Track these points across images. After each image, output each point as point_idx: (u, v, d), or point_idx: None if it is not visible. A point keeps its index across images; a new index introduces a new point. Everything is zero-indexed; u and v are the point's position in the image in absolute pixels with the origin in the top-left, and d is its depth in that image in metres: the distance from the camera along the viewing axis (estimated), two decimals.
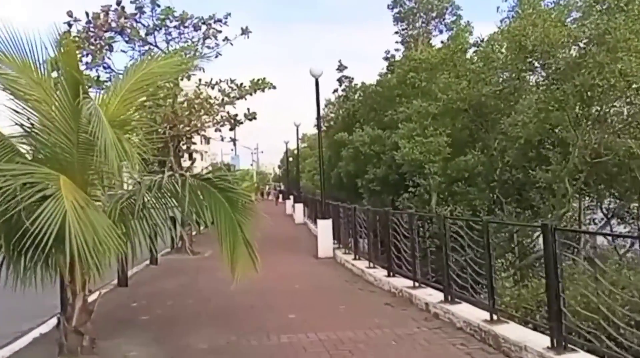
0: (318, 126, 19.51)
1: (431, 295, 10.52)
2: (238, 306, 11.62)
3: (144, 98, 8.99)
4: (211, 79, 20.23)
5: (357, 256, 16.11)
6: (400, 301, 11.27)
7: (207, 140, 22.04)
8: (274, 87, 21.25)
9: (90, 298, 8.29)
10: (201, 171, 35.64)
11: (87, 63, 19.01)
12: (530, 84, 20.66)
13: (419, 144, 18.88)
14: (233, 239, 8.07)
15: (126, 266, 13.93)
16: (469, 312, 9.02)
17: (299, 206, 37.12)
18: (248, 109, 21.05)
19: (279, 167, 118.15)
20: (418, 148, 18.79)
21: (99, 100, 8.20)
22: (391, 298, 11.67)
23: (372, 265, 14.44)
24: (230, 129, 22.31)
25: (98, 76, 19.40)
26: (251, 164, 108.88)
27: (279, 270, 16.19)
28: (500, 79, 20.25)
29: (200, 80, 20.03)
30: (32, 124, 7.92)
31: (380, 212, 14.09)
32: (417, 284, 11.32)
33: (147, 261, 17.74)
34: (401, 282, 12.00)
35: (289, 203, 48.97)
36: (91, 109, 6.64)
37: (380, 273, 13.44)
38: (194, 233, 21.70)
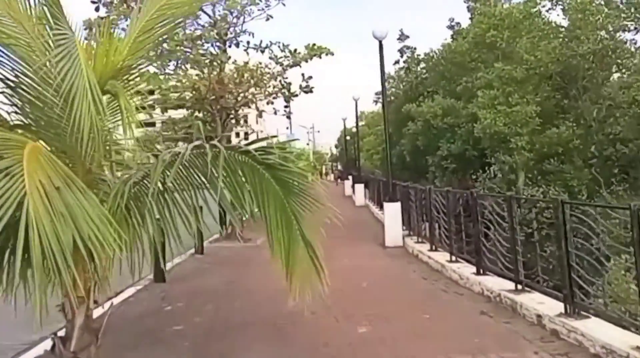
0: (383, 93, 16.98)
1: (543, 304, 8.10)
2: (295, 313, 9.37)
3: (161, 37, 6.61)
4: (260, 42, 18.01)
5: (433, 247, 13.70)
6: (499, 310, 8.85)
7: (260, 113, 19.75)
8: (332, 54, 18.85)
9: (99, 312, 6.12)
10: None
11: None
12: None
13: (503, 115, 16.12)
14: (287, 236, 5.63)
15: (162, 259, 11.88)
16: (609, 334, 6.56)
17: (359, 187, 34.71)
18: (303, 75, 18.68)
19: (336, 147, 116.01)
20: (501, 118, 16.01)
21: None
22: (486, 305, 9.26)
23: (454, 258, 12.04)
24: (285, 103, 20.02)
25: None
26: (307, 144, 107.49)
27: (342, 262, 13.99)
28: (598, 38, 17.42)
29: (248, 43, 17.82)
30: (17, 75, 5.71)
31: (464, 195, 11.67)
32: (519, 287, 8.90)
33: (192, 250, 15.73)
34: (497, 283, 9.60)
35: (348, 183, 46.75)
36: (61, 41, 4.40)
37: (466, 269, 11.02)
38: (245, 217, 19.61)
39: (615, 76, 20.26)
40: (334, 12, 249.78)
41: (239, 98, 18.06)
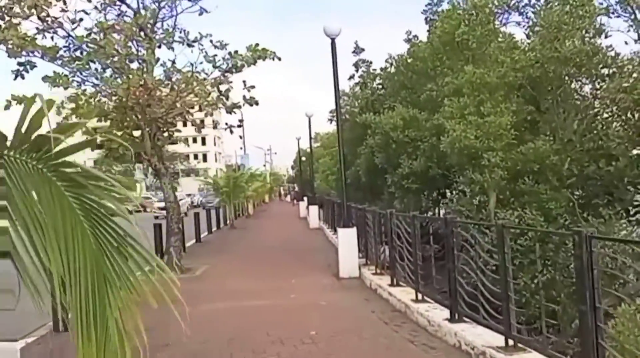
0: (336, 97, 14.83)
1: None
2: None
3: None
4: (187, 33, 15.89)
5: (395, 281, 11.62)
6: None
7: (198, 126, 17.48)
8: (279, 58, 16.71)
9: None
10: (216, 173, 30.54)
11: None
12: None
13: (473, 126, 14.08)
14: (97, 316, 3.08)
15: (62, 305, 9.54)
16: None
17: (314, 209, 32.68)
18: (245, 83, 16.45)
19: (292, 168, 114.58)
20: (472, 130, 13.97)
21: None
22: None
23: (421, 297, 9.98)
24: (227, 114, 17.80)
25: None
26: (264, 165, 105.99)
27: (289, 299, 11.90)
28: (578, 40, 15.54)
29: (173, 37, 15.65)
30: None
31: (436, 221, 9.64)
32: (511, 342, 6.85)
33: None
34: (479, 335, 7.54)
35: (303, 204, 44.82)
36: None
37: (437, 313, 8.95)
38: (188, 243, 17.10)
39: (587, 88, 18.54)
40: (286, 31, 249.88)
41: (170, 108, 15.82)
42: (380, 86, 34.90)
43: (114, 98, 15.29)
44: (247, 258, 19.05)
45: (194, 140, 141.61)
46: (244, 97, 16.91)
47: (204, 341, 8.50)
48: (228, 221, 34.10)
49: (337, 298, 11.89)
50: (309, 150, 65.50)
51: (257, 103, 17.14)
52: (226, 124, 19.16)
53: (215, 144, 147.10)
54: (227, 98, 16.56)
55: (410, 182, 17.01)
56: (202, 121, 17.66)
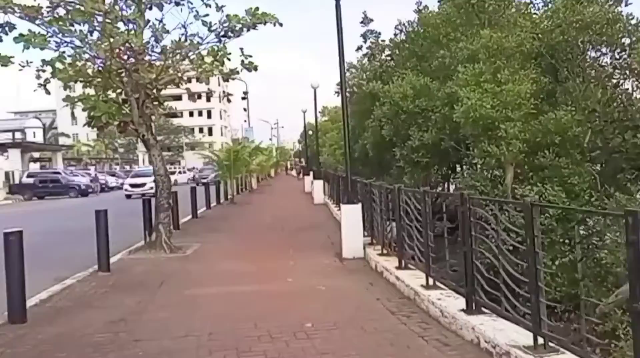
0: (340, 64, 13.54)
1: None
2: None
3: None
4: None
5: (403, 263, 10.45)
6: None
7: (193, 95, 16.19)
8: (280, 24, 15.41)
9: None
10: (221, 147, 29.35)
11: None
12: None
13: (490, 95, 12.70)
14: None
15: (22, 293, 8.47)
16: None
17: (318, 184, 31.52)
18: (242, 50, 15.13)
19: (299, 142, 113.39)
20: (488, 99, 12.58)
21: None
22: None
23: (432, 282, 8.82)
24: (224, 81, 16.53)
25: None
26: (270, 139, 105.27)
27: (286, 283, 10.81)
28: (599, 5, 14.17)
29: None
30: None
31: (450, 198, 8.44)
32: (541, 341, 5.70)
33: (96, 267, 12.29)
34: (501, 330, 6.43)
35: (308, 179, 43.64)
36: None
37: (451, 302, 7.81)
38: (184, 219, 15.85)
39: (607, 57, 17.15)
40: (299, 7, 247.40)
41: (160, 74, 14.57)
42: (389, 58, 33.51)
43: (98, 61, 14.05)
44: (244, 236, 17.91)
45: (199, 113, 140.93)
46: (242, 62, 15.63)
47: (179, 335, 7.35)
48: (229, 196, 32.92)
49: (339, 283, 10.72)
50: (319, 121, 64.40)
51: (256, 69, 15.83)
52: (223, 92, 17.99)
53: (221, 118, 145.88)
54: (223, 64, 15.26)
55: (420, 155, 15.54)
56: (195, 94, 16.31)
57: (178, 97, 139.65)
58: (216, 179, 44.00)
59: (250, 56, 15.02)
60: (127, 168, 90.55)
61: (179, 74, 15.17)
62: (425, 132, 15.28)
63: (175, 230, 19.35)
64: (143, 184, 43.21)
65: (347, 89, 41.48)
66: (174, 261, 13.54)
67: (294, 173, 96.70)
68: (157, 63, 14.79)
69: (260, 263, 12.91)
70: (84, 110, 14.09)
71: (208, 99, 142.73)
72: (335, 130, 63.07)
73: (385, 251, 12.09)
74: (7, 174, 54.59)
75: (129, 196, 43.33)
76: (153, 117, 15.51)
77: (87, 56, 14.13)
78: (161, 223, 14.84)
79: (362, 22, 36.97)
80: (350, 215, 13.34)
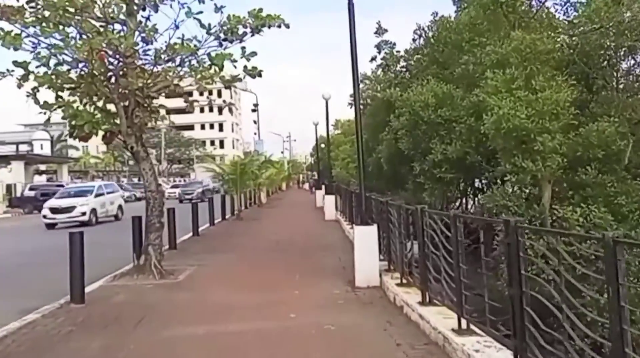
0: (354, 70, 11.92)
1: None
2: None
3: None
4: None
5: (427, 298, 8.74)
6: None
7: (191, 104, 14.56)
8: (287, 26, 13.82)
9: None
10: (233, 159, 27.22)
11: None
12: None
13: (524, 103, 10.95)
14: None
15: None
16: None
17: (330, 199, 29.81)
18: (243, 50, 13.44)
19: (311, 155, 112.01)
20: (522, 109, 10.81)
21: None
22: None
23: (465, 325, 7.12)
24: (225, 88, 14.89)
25: None
26: (282, 152, 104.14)
27: (286, 318, 9.13)
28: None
29: None
30: None
31: (488, 224, 6.76)
32: None
33: (68, 298, 10.69)
34: None
35: (320, 193, 42.06)
36: None
37: (491, 354, 6.13)
38: (164, 247, 14.14)
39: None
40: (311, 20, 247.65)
41: (152, 81, 13.01)
42: (404, 69, 32.07)
43: (80, 65, 12.48)
44: (246, 258, 16.19)
45: (211, 126, 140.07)
46: (245, 68, 14.00)
47: None
48: (235, 211, 31.22)
49: (351, 320, 9.01)
50: (331, 134, 62.98)
51: (260, 75, 14.18)
52: (224, 101, 16.35)
53: (233, 131, 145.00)
54: (221, 68, 13.66)
55: (443, 171, 13.67)
56: (193, 102, 14.64)
57: (189, 110, 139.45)
58: (206, 194, 41.48)
59: (255, 54, 13.30)
60: (136, 180, 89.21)
61: (174, 81, 13.59)
62: (448, 145, 13.45)
63: (172, 249, 17.76)
64: (70, 209, 30.83)
65: (361, 101, 39.96)
66: (162, 289, 11.87)
67: (306, 186, 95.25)
68: (150, 68, 13.21)
69: (260, 293, 11.25)
70: (63, 118, 12.50)
71: (220, 112, 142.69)
72: (349, 143, 61.72)
73: (405, 281, 10.40)
74: (8, 187, 53.23)
75: (51, 226, 30.61)
76: (152, 125, 13.88)
77: (69, 58, 12.55)
78: (151, 244, 13.21)
79: (376, 33, 35.45)
80: (365, 238, 11.65)
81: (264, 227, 25.41)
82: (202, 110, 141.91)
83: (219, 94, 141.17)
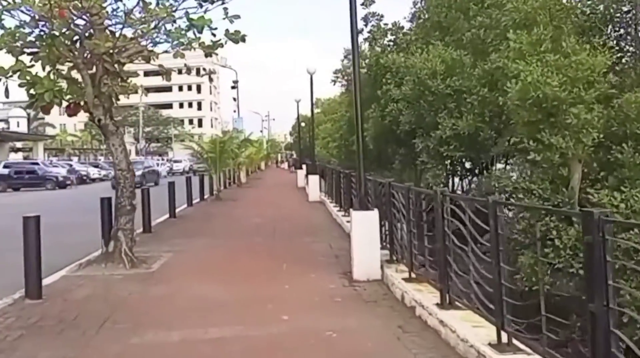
0: (352, 23, 10.34)
1: None
2: None
3: None
4: None
5: (447, 299, 7.31)
6: None
7: (166, 73, 12.94)
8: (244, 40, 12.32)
9: None
10: (212, 138, 25.43)
11: None
12: None
13: (553, 69, 9.36)
14: None
15: None
16: None
17: (314, 179, 28.30)
18: (226, 11, 11.82)
19: (291, 134, 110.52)
20: (554, 75, 9.17)
21: None
22: None
23: (506, 338, 5.73)
24: (205, 57, 13.25)
25: None
26: (261, 131, 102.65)
27: (276, 321, 7.72)
28: None
29: None
30: None
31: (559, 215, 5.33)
32: None
33: (22, 292, 9.16)
34: None
35: (301, 173, 40.63)
36: None
37: None
38: (136, 231, 12.60)
39: None
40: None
41: (123, 45, 11.40)
42: (391, 42, 30.59)
43: (40, 24, 10.84)
44: (227, 243, 14.66)
45: (190, 105, 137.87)
46: (227, 32, 12.41)
47: None
48: (214, 191, 29.60)
49: (354, 324, 7.58)
50: (309, 114, 61.43)
51: (243, 40, 12.57)
52: (204, 69, 14.82)
53: (211, 110, 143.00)
54: (200, 31, 12.07)
55: (452, 148, 11.93)
56: (168, 71, 13.02)
57: (168, 89, 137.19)
58: (148, 178, 39.71)
59: (238, 16, 11.74)
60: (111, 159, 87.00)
61: (148, 47, 12.03)
62: (458, 119, 11.79)
63: (146, 233, 16.25)
64: None
65: (344, 77, 38.45)
66: (133, 281, 10.36)
67: (285, 166, 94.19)
68: (120, 31, 11.60)
69: (244, 286, 9.81)
70: (20, 86, 10.84)
71: (198, 91, 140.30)
72: (329, 122, 60.24)
73: (413, 275, 8.99)
74: None
75: None
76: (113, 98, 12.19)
77: (27, 17, 10.91)
78: (121, 229, 11.68)
79: (363, 4, 33.88)
80: (364, 225, 10.21)
81: (245, 208, 23.86)
82: (180, 88, 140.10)
83: (197, 72, 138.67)
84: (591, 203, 8.95)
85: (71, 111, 11.52)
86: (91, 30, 11.11)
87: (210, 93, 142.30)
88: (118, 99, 11.92)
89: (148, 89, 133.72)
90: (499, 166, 15.23)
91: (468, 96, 11.61)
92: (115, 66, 11.58)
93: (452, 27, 14.56)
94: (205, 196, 28.92)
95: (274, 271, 10.97)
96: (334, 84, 42.24)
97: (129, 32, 11.99)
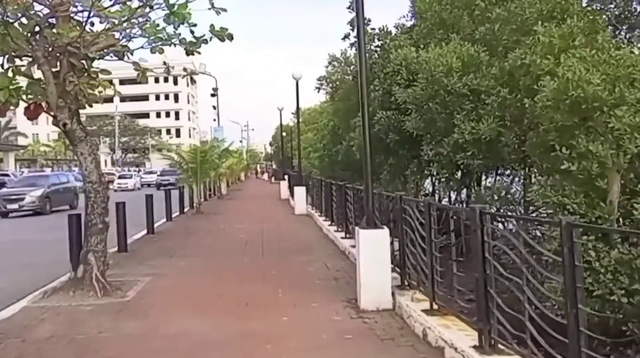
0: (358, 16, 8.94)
1: None
2: None
3: None
4: None
5: (487, 340, 5.95)
6: None
7: (142, 72, 11.46)
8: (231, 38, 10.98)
9: None
10: (191, 147, 23.49)
11: None
12: None
13: (589, 66, 8.04)
14: None
15: None
16: None
17: (300, 191, 26.88)
18: (211, 2, 10.46)
19: (270, 144, 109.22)
20: (595, 72, 7.83)
21: None
22: None
23: None
24: (187, 54, 11.83)
25: None
26: (240, 141, 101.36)
27: None
28: None
29: None
30: None
31: None
32: None
33: None
34: None
35: (284, 184, 39.28)
36: None
37: None
38: (111, 250, 11.08)
39: None
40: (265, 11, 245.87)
41: (92, 38, 9.97)
42: (378, 48, 29.42)
43: None
44: (212, 264, 13.10)
45: (167, 114, 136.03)
46: (212, 27, 11.04)
47: None
48: (195, 204, 28.04)
49: None
50: (290, 124, 60.24)
51: (231, 37, 11.23)
52: (184, 69, 13.42)
53: (189, 119, 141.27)
54: (178, 25, 10.70)
55: (470, 155, 10.38)
56: (145, 70, 11.55)
57: (144, 98, 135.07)
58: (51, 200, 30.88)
59: (224, 10, 10.38)
60: None
61: (121, 40, 10.60)
62: (478, 122, 10.33)
63: (122, 252, 14.77)
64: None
65: (329, 84, 37.14)
66: (105, 313, 8.90)
67: (265, 176, 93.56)
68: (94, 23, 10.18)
69: (235, 319, 8.39)
70: None
71: (176, 100, 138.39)
72: (311, 132, 59.10)
73: (436, 305, 7.65)
74: None
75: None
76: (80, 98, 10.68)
77: None
78: (92, 250, 10.22)
79: (349, 8, 32.63)
80: (373, 245, 8.83)
81: (229, 222, 22.35)
82: (157, 97, 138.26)
83: (175, 82, 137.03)
84: (634, 218, 7.68)
85: (31, 114, 10.03)
86: (54, 20, 9.68)
87: (188, 102, 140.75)
88: (87, 99, 10.38)
89: (124, 99, 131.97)
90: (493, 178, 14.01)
91: (487, 96, 10.26)
92: (83, 62, 10.13)
93: (457, 25, 13.22)
94: (186, 209, 27.41)
95: (268, 298, 9.58)
96: (318, 92, 40.95)
97: (99, 24, 10.57)
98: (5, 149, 70.12)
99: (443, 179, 16.74)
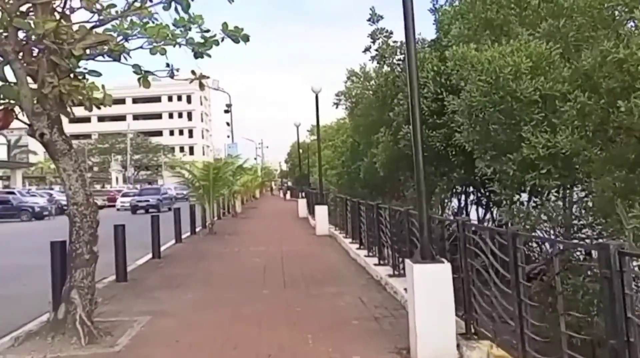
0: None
1: None
2: None
3: None
4: None
5: None
6: None
7: (144, 78, 9.59)
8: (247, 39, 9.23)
9: None
10: (203, 164, 21.17)
11: None
12: None
13: None
14: None
15: None
16: None
17: (322, 211, 24.90)
18: None
19: (286, 162, 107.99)
20: None
21: None
22: None
23: None
24: (195, 58, 10.01)
25: None
26: (255, 159, 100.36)
27: None
28: None
29: None
30: None
31: None
32: None
33: None
34: None
35: (302, 202, 37.43)
36: None
37: None
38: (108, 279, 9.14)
39: None
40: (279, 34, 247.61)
41: (80, 34, 8.14)
42: (401, 61, 27.67)
43: None
44: (224, 298, 11.00)
45: (180, 132, 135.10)
46: (224, 26, 9.24)
47: None
48: (207, 224, 26.04)
49: None
50: (307, 141, 58.61)
51: (246, 39, 9.43)
52: (192, 72, 11.59)
53: (203, 137, 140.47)
54: (189, 27, 8.98)
55: (544, 174, 8.34)
56: (146, 74, 9.73)
57: (158, 116, 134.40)
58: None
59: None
60: (98, 187, 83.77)
61: (115, 37, 8.79)
62: (554, 133, 8.30)
63: (121, 281, 12.87)
64: None
65: (347, 100, 35.32)
66: None
67: (280, 194, 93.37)
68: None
69: None
70: None
71: (189, 118, 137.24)
72: (328, 149, 57.57)
73: None
74: None
75: None
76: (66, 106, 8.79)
77: None
78: (76, 287, 8.30)
79: (369, 20, 30.83)
80: (431, 284, 6.85)
81: (244, 244, 20.37)
82: (170, 115, 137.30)
83: (189, 100, 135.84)
84: None
85: (1, 122, 8.17)
86: (30, 7, 7.86)
87: (202, 120, 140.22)
88: (74, 105, 8.51)
89: (137, 117, 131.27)
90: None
91: (562, 103, 8.24)
92: (67, 60, 8.25)
93: (506, 26, 11.25)
94: (198, 229, 25.48)
95: (295, 349, 7.59)
96: (337, 107, 39.21)
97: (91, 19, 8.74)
98: (12, 166, 68.69)
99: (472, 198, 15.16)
